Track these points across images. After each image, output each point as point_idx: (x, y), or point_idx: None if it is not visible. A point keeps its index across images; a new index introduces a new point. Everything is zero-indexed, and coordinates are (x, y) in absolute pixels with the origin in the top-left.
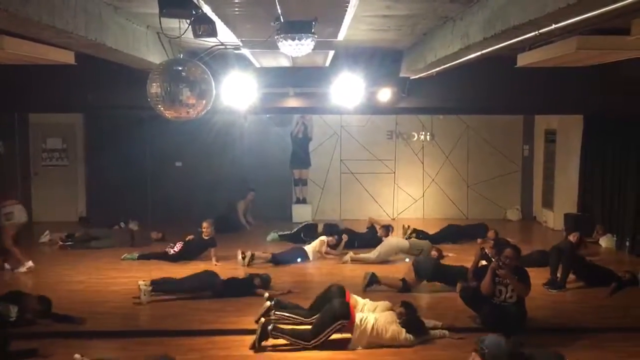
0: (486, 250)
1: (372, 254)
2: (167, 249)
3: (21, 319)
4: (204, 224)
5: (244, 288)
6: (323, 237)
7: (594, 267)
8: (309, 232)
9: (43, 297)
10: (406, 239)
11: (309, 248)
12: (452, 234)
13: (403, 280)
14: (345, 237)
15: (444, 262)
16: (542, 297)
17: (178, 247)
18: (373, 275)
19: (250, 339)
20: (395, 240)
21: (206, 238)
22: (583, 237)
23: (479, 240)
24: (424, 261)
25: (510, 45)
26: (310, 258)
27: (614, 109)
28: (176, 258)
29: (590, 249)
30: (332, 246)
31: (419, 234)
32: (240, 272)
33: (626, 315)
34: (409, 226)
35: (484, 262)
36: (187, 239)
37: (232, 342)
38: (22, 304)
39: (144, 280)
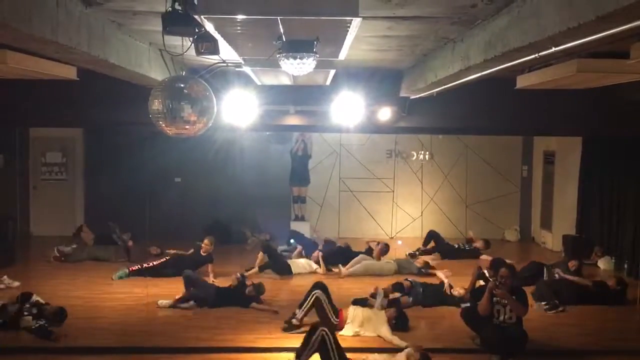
0: (483, 270)
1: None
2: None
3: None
4: (206, 241)
5: (236, 296)
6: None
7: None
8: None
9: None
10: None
11: (293, 261)
12: (444, 252)
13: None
14: (318, 253)
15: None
16: (539, 318)
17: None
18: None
19: (246, 357)
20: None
21: (204, 254)
22: (581, 265)
23: (481, 257)
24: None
25: (510, 67)
26: (293, 271)
27: (612, 132)
28: (159, 270)
29: (585, 275)
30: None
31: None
32: None
33: (624, 339)
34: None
35: (481, 282)
36: (172, 252)
37: None
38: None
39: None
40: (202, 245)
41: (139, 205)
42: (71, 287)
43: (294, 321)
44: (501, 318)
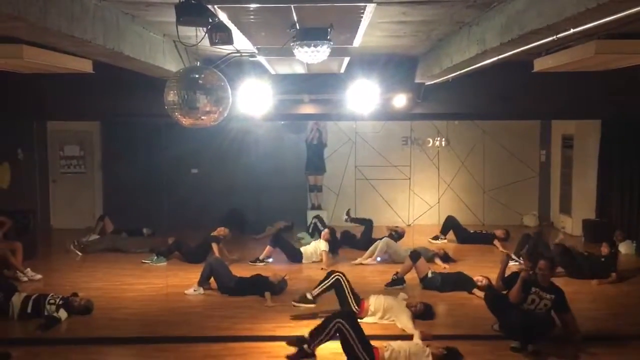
0: (512, 257)
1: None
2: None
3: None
4: (222, 228)
5: (255, 286)
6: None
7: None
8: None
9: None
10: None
11: (305, 249)
12: (461, 237)
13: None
14: (327, 232)
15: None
16: None
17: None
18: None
19: (266, 345)
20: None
21: (213, 235)
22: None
23: (494, 242)
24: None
25: (527, 50)
26: (304, 260)
27: (631, 114)
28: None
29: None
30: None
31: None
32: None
33: None
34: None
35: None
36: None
37: (248, 348)
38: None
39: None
40: (218, 229)
41: (157, 196)
42: (91, 278)
43: (308, 295)
44: (532, 307)
